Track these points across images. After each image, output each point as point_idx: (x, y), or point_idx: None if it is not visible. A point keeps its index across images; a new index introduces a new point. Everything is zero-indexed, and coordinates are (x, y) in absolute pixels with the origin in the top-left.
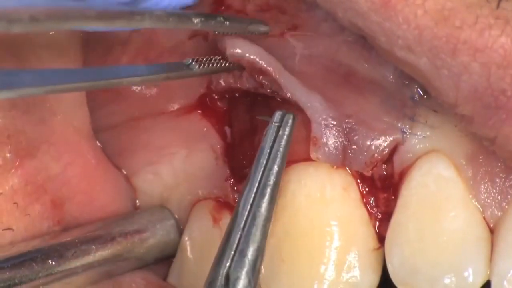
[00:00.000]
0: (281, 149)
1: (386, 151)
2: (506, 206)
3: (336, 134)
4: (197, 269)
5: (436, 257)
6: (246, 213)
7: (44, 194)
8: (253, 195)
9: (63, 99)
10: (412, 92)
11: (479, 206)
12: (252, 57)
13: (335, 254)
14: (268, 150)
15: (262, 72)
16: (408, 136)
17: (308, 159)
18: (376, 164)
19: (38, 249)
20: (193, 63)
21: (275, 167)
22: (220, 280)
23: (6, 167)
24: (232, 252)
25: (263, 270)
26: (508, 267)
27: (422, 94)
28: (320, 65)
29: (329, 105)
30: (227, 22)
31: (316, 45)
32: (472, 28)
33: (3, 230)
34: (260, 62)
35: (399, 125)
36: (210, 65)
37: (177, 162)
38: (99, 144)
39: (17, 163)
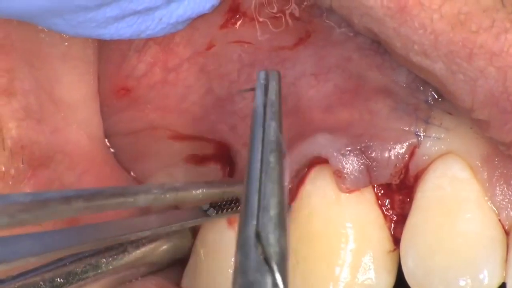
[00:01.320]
0: (275, 104)
1: (406, 157)
2: None
3: (355, 158)
4: (212, 272)
5: (452, 259)
6: (259, 172)
7: None
8: (260, 154)
9: (77, 108)
10: (426, 95)
11: (494, 208)
12: None
13: (350, 256)
14: (262, 108)
15: None
16: (422, 139)
17: (323, 161)
18: (402, 171)
19: (45, 265)
20: (211, 208)
21: (273, 123)
22: (252, 239)
23: (19, 178)
24: (255, 211)
25: None
26: None
27: (436, 97)
28: (329, 83)
29: (336, 135)
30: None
31: (327, 55)
32: (488, 32)
33: None
34: None
35: (412, 129)
36: (227, 210)
37: (191, 165)
38: (112, 150)
39: (30, 173)
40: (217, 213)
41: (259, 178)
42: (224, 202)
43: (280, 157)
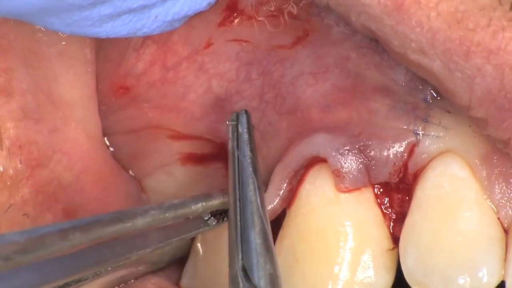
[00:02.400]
0: (246, 141)
1: (405, 156)
2: None
3: (353, 157)
4: (212, 270)
5: (451, 257)
6: (238, 208)
7: (55, 203)
8: (238, 190)
9: (75, 107)
10: (425, 94)
11: (493, 206)
12: None
13: (350, 254)
14: (235, 146)
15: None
16: (421, 137)
17: (321, 161)
18: (401, 170)
19: None
20: (212, 218)
21: (247, 159)
22: (239, 274)
23: (17, 178)
24: (240, 245)
25: None
26: None
27: (435, 95)
28: (327, 82)
29: (335, 134)
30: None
31: (325, 54)
32: (485, 31)
33: None
34: None
35: (411, 127)
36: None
37: (190, 164)
38: (111, 149)
39: (28, 173)
40: (218, 222)
41: (239, 212)
42: (226, 209)
43: (258, 189)
